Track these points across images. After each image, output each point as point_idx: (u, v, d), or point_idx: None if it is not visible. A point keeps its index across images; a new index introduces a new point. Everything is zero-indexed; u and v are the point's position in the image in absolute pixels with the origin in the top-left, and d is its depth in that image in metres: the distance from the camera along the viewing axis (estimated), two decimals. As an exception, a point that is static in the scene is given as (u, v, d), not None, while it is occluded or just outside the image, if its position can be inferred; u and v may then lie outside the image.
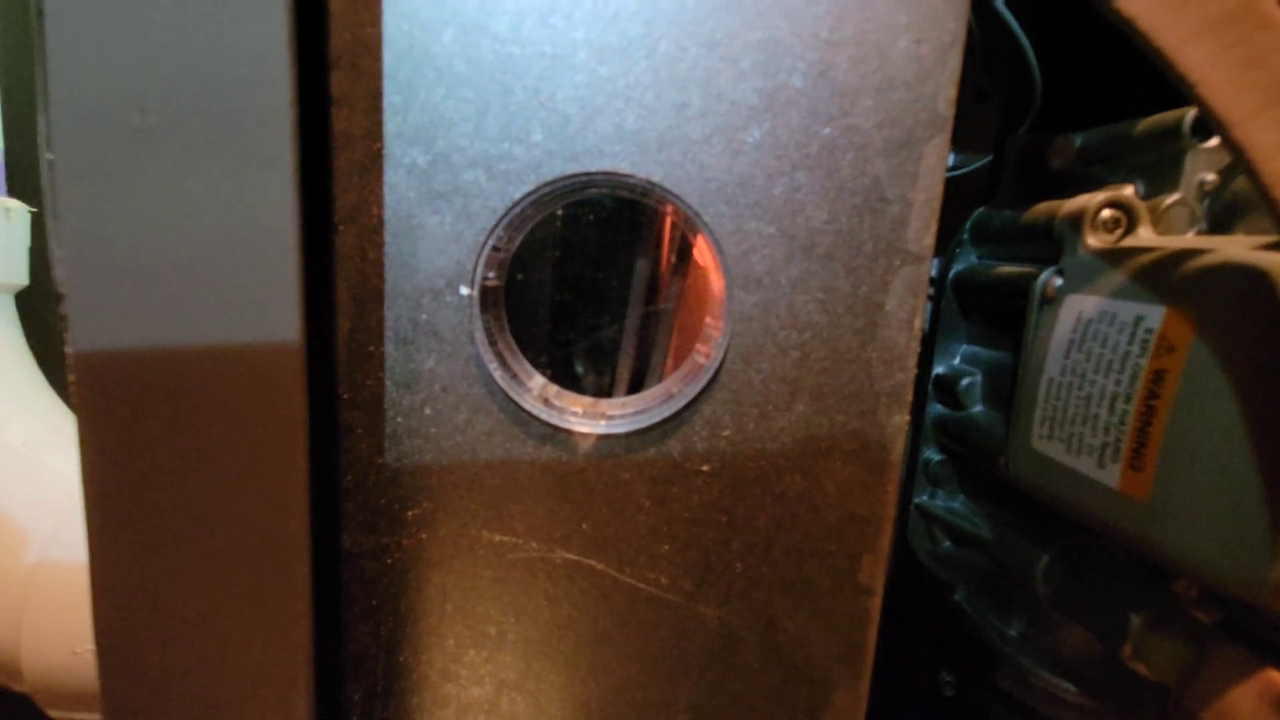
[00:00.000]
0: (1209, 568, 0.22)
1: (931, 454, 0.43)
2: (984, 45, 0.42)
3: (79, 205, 0.18)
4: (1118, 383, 0.26)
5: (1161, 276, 0.25)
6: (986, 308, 0.40)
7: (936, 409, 0.42)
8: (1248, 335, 0.21)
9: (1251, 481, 0.21)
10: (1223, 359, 0.21)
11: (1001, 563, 0.37)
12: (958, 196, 0.43)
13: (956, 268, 0.41)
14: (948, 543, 0.43)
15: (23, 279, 0.56)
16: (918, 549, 0.44)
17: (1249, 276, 0.21)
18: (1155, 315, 0.24)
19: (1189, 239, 0.28)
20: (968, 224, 0.41)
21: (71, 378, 0.18)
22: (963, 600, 0.41)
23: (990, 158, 0.44)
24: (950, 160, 0.48)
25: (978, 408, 0.39)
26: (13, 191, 0.55)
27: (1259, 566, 0.21)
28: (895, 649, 0.49)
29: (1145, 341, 0.25)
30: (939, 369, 0.42)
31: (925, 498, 0.44)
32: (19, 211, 0.54)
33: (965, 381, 0.39)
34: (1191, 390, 0.23)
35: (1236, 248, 0.22)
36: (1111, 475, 0.26)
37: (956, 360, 0.42)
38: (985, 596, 0.41)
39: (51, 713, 0.45)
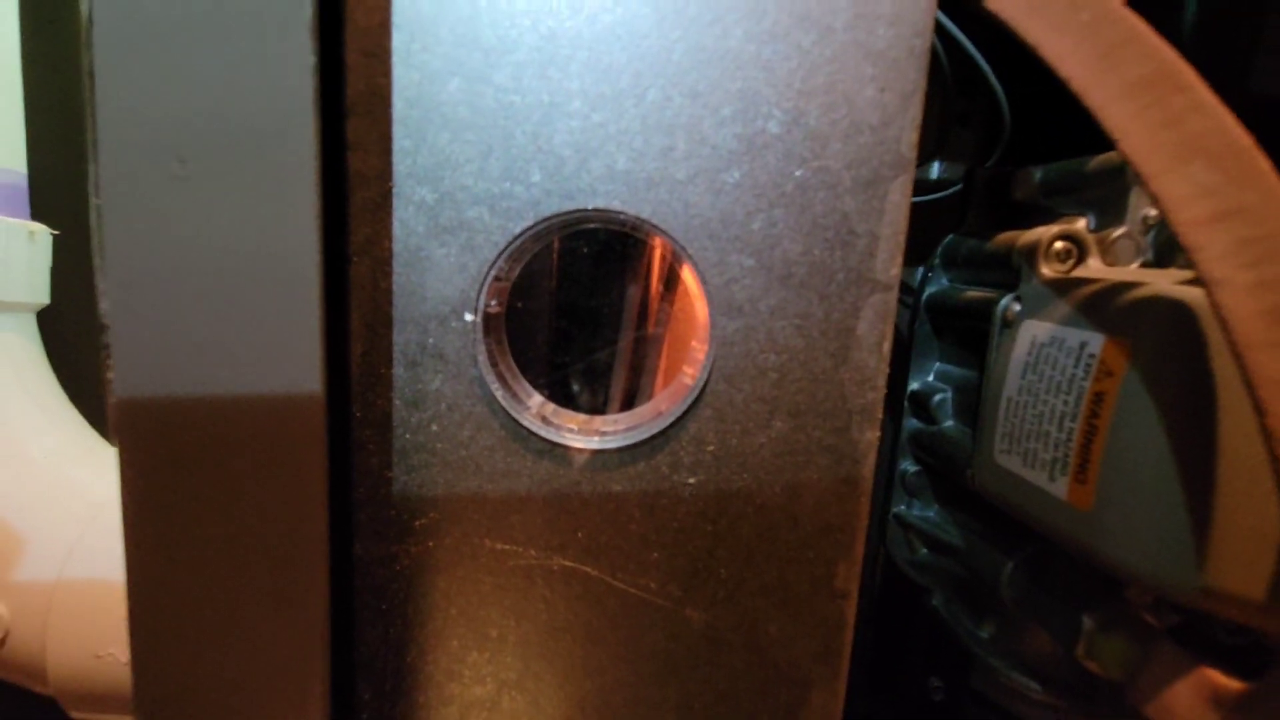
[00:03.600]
0: (1144, 572, 0.24)
1: (908, 466, 0.45)
2: (963, 72, 0.43)
3: (123, 248, 0.19)
4: (1065, 403, 0.27)
5: (1102, 306, 0.26)
6: (956, 328, 0.41)
7: (912, 423, 0.44)
8: (1173, 362, 0.23)
9: (1177, 495, 0.22)
10: (1152, 383, 0.23)
11: (972, 569, 0.39)
12: (940, 218, 0.45)
13: (929, 290, 0.42)
14: (924, 550, 0.44)
15: (45, 298, 0.56)
16: (897, 557, 0.45)
17: (1173, 309, 0.23)
18: (1096, 342, 0.26)
19: (1130, 271, 0.30)
20: (939, 249, 0.42)
21: (112, 417, 0.19)
22: (939, 605, 0.42)
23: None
24: (935, 174, 0.50)
25: (949, 422, 0.40)
26: (36, 215, 0.55)
27: (1186, 571, 0.22)
28: (885, 656, 0.50)
29: (1088, 366, 0.26)
30: (914, 385, 0.43)
31: (902, 507, 0.45)
32: (42, 234, 0.54)
33: (937, 398, 0.41)
34: (1126, 411, 0.24)
35: (1164, 282, 0.24)
36: (1060, 487, 0.27)
37: (930, 377, 0.43)
38: (959, 601, 0.42)
39: (74, 714, 0.45)
